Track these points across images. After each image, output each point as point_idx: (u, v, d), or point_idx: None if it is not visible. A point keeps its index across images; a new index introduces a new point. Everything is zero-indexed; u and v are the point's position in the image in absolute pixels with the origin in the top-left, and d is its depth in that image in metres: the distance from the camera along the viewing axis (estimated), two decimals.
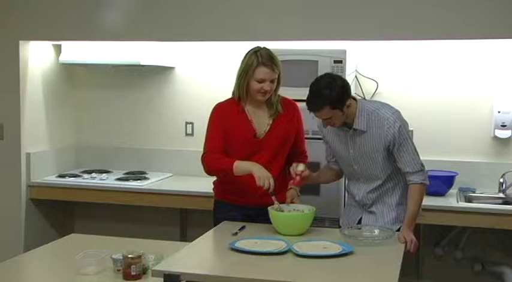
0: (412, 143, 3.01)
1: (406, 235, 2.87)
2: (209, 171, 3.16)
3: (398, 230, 2.96)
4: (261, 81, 3.05)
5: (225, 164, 3.05)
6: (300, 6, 3.87)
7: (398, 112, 3.01)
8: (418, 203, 2.97)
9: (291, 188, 3.10)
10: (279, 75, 3.11)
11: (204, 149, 3.15)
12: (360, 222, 3.12)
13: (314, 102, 2.87)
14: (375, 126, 2.95)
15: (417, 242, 2.89)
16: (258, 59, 3.05)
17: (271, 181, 2.94)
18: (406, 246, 2.82)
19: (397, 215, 3.07)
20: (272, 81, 3.08)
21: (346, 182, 3.27)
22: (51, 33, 4.34)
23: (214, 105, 3.23)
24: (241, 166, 3.01)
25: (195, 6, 4.04)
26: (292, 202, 3.05)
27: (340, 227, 3.18)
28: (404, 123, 2.99)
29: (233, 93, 3.20)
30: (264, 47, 3.13)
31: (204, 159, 3.13)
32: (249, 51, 3.13)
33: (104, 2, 4.21)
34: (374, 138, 2.96)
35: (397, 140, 2.94)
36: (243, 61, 3.12)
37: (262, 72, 3.05)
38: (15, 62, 4.30)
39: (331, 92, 2.83)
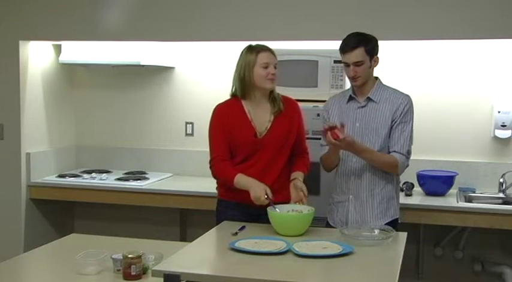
0: (411, 132, 3.08)
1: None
2: (215, 178, 3.25)
3: (387, 224, 2.99)
4: (266, 66, 3.09)
5: (228, 174, 3.11)
6: (299, 6, 3.87)
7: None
8: (379, 159, 3.03)
9: (295, 179, 3.11)
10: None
11: (211, 155, 3.20)
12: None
13: (350, 40, 3.06)
14: (388, 98, 3.09)
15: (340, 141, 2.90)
16: (256, 48, 3.13)
17: (269, 192, 2.97)
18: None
19: (387, 208, 3.11)
20: (275, 67, 3.12)
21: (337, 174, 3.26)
22: (51, 33, 4.34)
23: (214, 107, 3.24)
24: (241, 182, 3.06)
25: (195, 6, 4.05)
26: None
27: (328, 224, 3.19)
28: (413, 109, 3.12)
29: (232, 94, 3.21)
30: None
31: (213, 166, 3.19)
32: (243, 50, 3.17)
33: (104, 2, 4.21)
34: (385, 110, 3.08)
35: (401, 117, 3.05)
36: (240, 59, 3.16)
37: (265, 56, 3.10)
38: (15, 62, 4.30)
39: (368, 38, 3.07)
